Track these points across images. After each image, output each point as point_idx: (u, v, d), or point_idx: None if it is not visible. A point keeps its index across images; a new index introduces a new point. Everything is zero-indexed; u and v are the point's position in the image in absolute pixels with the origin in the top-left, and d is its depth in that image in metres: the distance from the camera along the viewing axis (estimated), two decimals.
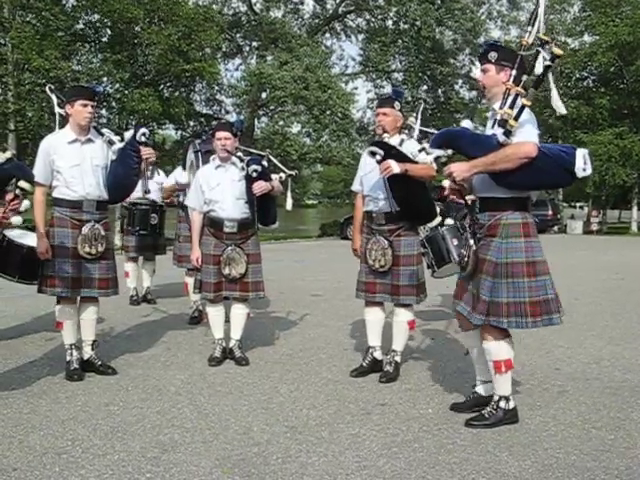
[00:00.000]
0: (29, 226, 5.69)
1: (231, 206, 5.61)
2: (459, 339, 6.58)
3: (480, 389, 4.45)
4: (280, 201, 5.98)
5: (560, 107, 3.91)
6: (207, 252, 5.67)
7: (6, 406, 4.47)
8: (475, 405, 4.37)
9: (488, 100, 4.25)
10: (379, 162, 4.83)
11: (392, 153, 4.83)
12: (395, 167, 4.73)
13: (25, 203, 4.88)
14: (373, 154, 4.84)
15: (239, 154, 5.65)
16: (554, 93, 3.91)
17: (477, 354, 4.36)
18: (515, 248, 3.99)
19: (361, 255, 5.36)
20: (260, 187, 5.48)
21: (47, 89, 5.39)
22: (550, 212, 29.16)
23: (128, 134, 5.29)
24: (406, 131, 5.23)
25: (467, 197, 4.34)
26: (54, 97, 5.32)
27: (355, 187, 5.52)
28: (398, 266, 5.12)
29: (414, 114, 5.29)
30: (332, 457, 3.69)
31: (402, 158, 4.81)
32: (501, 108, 3.93)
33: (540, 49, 3.82)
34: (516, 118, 3.83)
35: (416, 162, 4.81)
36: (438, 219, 5.23)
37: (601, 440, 3.94)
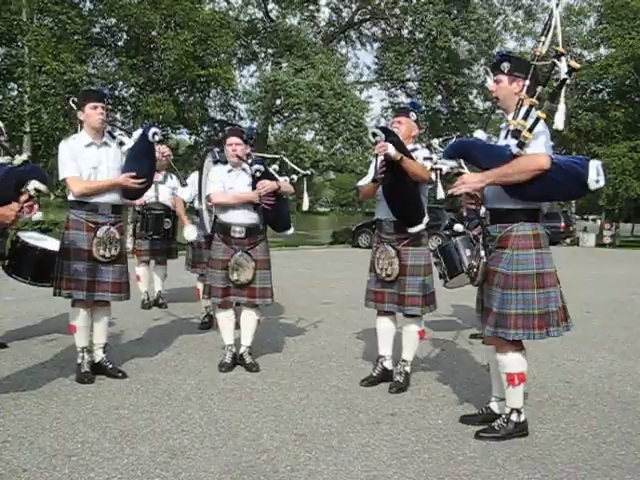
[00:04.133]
0: (42, 228, 5.72)
1: (240, 211, 5.63)
2: (470, 350, 6.57)
3: (494, 406, 4.42)
4: (291, 207, 5.98)
5: (560, 122, 3.87)
6: (216, 257, 5.70)
7: (17, 407, 4.49)
8: (486, 420, 4.35)
9: (503, 111, 4.22)
10: (377, 143, 4.83)
11: (392, 140, 4.82)
12: (391, 149, 4.70)
13: (37, 215, 4.92)
14: (374, 135, 4.83)
15: (250, 161, 5.65)
16: (562, 107, 3.88)
17: (495, 370, 4.33)
18: (525, 260, 3.97)
19: (370, 264, 5.35)
20: (264, 186, 5.49)
21: (70, 102, 5.39)
22: (562, 224, 29.11)
23: (136, 133, 5.32)
24: (422, 144, 5.23)
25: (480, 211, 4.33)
26: (75, 107, 5.33)
27: (360, 183, 5.48)
28: (405, 276, 5.11)
29: (440, 139, 5.24)
30: (341, 466, 3.68)
31: (401, 149, 4.81)
32: (514, 119, 3.92)
33: (556, 61, 3.80)
34: (530, 130, 3.81)
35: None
36: (422, 225, 5.16)
37: (612, 455, 3.92)
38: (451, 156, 4.28)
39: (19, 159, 4.49)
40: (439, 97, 33.65)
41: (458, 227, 5.70)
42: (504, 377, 4.15)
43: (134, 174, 5.11)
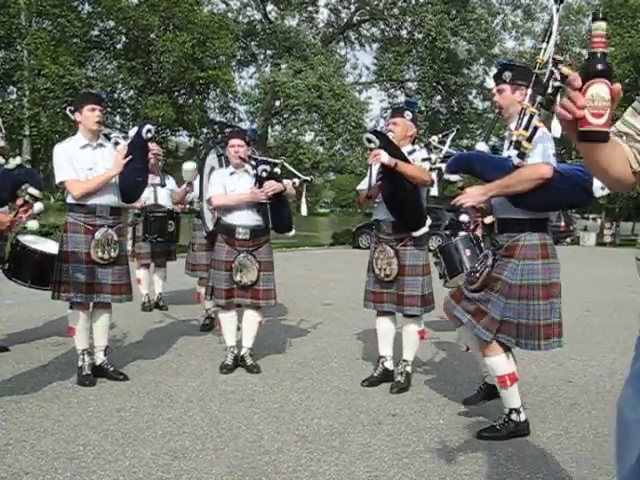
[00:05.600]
0: (43, 231, 5.71)
1: (244, 213, 5.63)
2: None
3: (490, 379, 4.42)
4: (292, 208, 6.00)
5: (556, 131, 3.86)
6: (219, 258, 5.69)
7: (19, 410, 4.49)
8: (486, 396, 4.39)
9: (506, 120, 4.20)
10: (371, 150, 4.85)
11: (387, 146, 4.83)
12: (384, 156, 4.71)
13: (39, 206, 4.93)
14: (369, 141, 4.84)
15: (252, 163, 5.67)
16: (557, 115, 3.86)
17: (475, 346, 4.32)
18: (532, 270, 3.95)
19: (368, 264, 5.36)
20: (271, 186, 5.50)
21: (67, 111, 5.40)
22: (563, 224, 29.05)
23: (132, 132, 5.33)
24: (421, 144, 5.23)
25: (486, 219, 4.33)
26: (73, 109, 5.33)
27: (360, 187, 5.48)
28: (403, 276, 5.11)
29: (440, 135, 5.23)
30: (343, 466, 3.68)
31: (396, 154, 4.81)
32: (516, 129, 3.91)
33: (554, 69, 3.79)
34: (530, 139, 3.79)
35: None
36: (426, 228, 5.17)
37: (613, 454, 3.90)
38: (453, 171, 4.29)
39: (13, 163, 4.50)
40: (438, 97, 33.67)
41: (464, 217, 5.69)
42: (496, 380, 4.15)
43: (123, 155, 5.11)
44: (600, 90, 1.57)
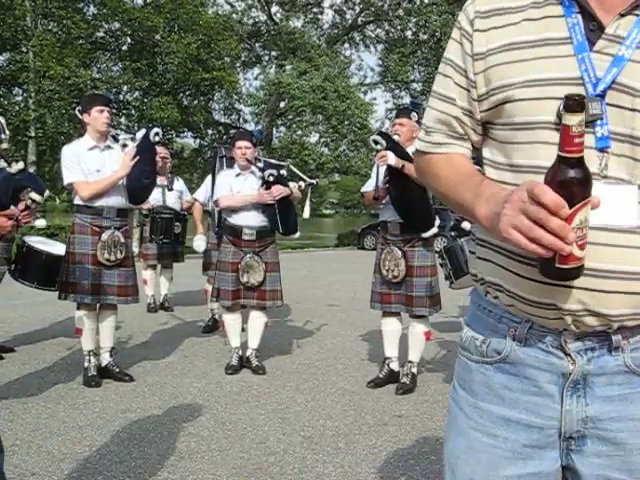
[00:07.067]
0: (48, 232, 5.72)
1: (250, 214, 5.64)
2: None
3: None
4: (297, 210, 6.01)
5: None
6: (225, 260, 5.70)
7: (25, 411, 4.50)
8: None
9: None
10: (378, 152, 4.90)
11: (394, 148, 4.85)
12: (391, 158, 4.76)
13: (41, 223, 4.92)
14: (376, 143, 4.87)
15: (259, 164, 5.68)
16: None
17: None
18: None
19: (375, 265, 5.35)
20: (278, 190, 5.51)
21: (77, 111, 5.42)
22: None
23: (139, 134, 5.34)
24: None
25: None
26: (82, 110, 5.35)
27: (365, 188, 5.50)
28: (412, 277, 5.11)
29: None
30: (348, 468, 3.68)
31: (403, 156, 4.83)
32: None
33: None
34: None
35: None
36: (435, 229, 5.17)
37: None
38: None
39: (15, 167, 4.51)
40: None
41: (466, 225, 5.69)
42: None
43: (131, 156, 5.12)
44: (587, 214, 1.10)
